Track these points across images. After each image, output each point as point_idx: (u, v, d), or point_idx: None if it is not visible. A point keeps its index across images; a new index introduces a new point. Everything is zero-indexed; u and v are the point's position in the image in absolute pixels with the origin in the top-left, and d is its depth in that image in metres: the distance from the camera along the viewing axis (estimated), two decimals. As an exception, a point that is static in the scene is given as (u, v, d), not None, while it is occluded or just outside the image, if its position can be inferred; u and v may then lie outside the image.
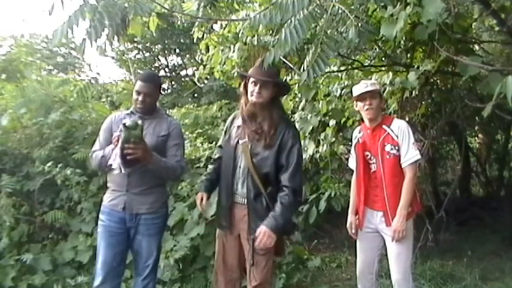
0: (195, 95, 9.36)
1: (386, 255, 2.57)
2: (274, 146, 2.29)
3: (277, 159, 2.28)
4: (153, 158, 2.34)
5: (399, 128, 2.49)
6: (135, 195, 2.48)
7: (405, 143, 2.46)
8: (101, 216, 2.56)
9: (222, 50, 3.92)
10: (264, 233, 2.20)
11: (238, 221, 2.39)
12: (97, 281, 2.50)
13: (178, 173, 2.56)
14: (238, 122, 2.46)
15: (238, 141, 2.39)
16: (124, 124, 2.22)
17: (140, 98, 2.50)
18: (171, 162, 2.49)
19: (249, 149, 2.32)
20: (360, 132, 2.66)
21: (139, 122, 2.25)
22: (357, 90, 2.54)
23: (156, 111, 2.61)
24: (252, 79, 2.34)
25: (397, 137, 2.47)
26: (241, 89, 2.45)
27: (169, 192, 4.03)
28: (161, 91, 2.69)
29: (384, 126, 2.52)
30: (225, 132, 2.56)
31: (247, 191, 2.32)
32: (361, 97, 2.51)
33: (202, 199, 2.52)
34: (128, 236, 2.52)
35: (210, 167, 2.65)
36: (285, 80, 4.19)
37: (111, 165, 2.37)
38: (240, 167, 2.37)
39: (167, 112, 3.08)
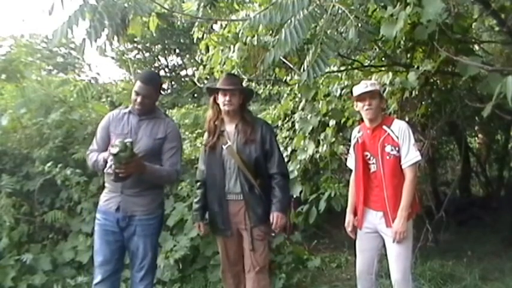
0: (195, 95, 9.35)
1: (386, 255, 2.57)
2: (256, 139, 2.62)
3: (262, 147, 2.62)
4: (147, 169, 2.37)
5: (400, 128, 2.48)
6: (130, 197, 2.48)
7: (405, 144, 2.45)
8: (97, 215, 2.58)
9: (222, 50, 3.91)
10: (277, 216, 2.57)
11: (233, 216, 2.62)
12: (96, 279, 2.52)
13: (173, 179, 2.59)
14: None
15: (222, 148, 2.63)
16: (112, 154, 2.23)
17: (139, 99, 2.48)
18: (166, 168, 2.49)
19: (235, 150, 2.59)
20: (359, 132, 2.65)
21: (127, 141, 2.26)
22: (357, 90, 2.53)
23: (155, 112, 2.60)
24: (221, 91, 2.61)
25: (397, 138, 2.47)
26: (211, 101, 2.72)
27: (169, 192, 4.05)
28: (161, 92, 2.71)
29: (384, 127, 2.52)
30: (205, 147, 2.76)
31: (241, 186, 2.59)
32: (361, 97, 2.51)
33: (200, 227, 2.79)
34: (123, 236, 2.52)
35: (198, 192, 2.80)
36: (285, 80, 4.21)
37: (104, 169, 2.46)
38: (229, 169, 2.62)
39: (166, 112, 3.07)
